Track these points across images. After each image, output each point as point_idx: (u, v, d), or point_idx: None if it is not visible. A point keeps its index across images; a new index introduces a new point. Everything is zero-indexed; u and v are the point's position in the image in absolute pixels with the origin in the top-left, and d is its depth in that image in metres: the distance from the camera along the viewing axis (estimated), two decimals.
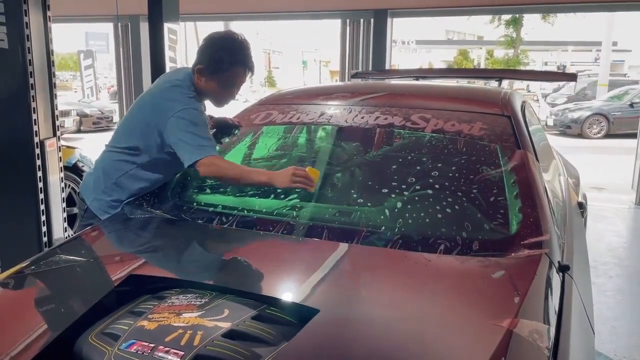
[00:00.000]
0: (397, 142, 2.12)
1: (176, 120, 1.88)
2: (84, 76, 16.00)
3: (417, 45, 36.07)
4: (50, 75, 2.95)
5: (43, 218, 2.90)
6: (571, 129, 13.21)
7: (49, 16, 2.94)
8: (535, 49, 33.56)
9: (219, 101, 2.08)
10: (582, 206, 2.56)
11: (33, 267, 1.53)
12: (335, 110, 2.14)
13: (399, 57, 33.97)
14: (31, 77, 2.76)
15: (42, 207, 2.89)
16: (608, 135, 12.87)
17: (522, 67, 24.85)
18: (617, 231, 5.02)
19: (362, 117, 2.02)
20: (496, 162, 1.78)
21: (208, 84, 2.00)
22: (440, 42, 41.34)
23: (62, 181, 3.13)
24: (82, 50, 17.09)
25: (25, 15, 2.70)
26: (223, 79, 1.99)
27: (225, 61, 1.95)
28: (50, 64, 2.94)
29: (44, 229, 2.91)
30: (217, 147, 2.28)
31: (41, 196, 2.87)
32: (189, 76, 2.02)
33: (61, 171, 3.11)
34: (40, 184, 2.87)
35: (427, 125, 1.93)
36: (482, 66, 30.09)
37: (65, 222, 3.15)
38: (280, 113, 2.20)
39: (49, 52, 2.93)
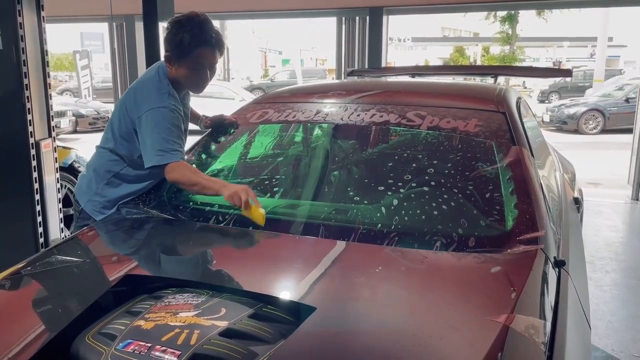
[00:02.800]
0: (393, 139, 2.12)
1: (144, 119, 1.87)
2: (81, 76, 15.87)
3: (413, 42, 36.08)
4: (45, 75, 2.94)
5: (39, 219, 2.89)
6: (567, 124, 13.24)
7: (43, 16, 2.92)
8: (531, 45, 33.61)
9: (194, 86, 2.04)
10: (577, 201, 2.57)
11: (29, 267, 1.53)
12: (331, 109, 2.13)
13: (395, 54, 33.97)
14: (26, 77, 2.74)
15: (38, 208, 2.88)
16: (604, 131, 12.90)
17: (518, 64, 24.87)
18: (613, 226, 5.04)
19: (358, 115, 2.02)
20: (492, 159, 1.79)
21: (178, 70, 1.96)
22: (436, 39, 41.39)
23: (58, 182, 3.12)
24: (78, 50, 16.96)
25: (19, 16, 2.69)
26: (190, 61, 1.93)
27: (187, 42, 1.89)
28: (44, 64, 2.93)
29: (40, 229, 2.91)
30: (213, 146, 2.28)
31: (37, 197, 2.87)
32: (163, 69, 2.00)
33: (57, 172, 3.10)
34: (36, 185, 2.86)
35: (423, 123, 1.93)
36: (478, 63, 30.13)
37: (61, 222, 3.14)
38: (276, 111, 2.20)
39: (43, 53, 2.92)
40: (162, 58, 2.00)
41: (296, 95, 2.41)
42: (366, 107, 2.07)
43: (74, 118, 12.35)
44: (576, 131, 13.04)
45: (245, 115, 2.27)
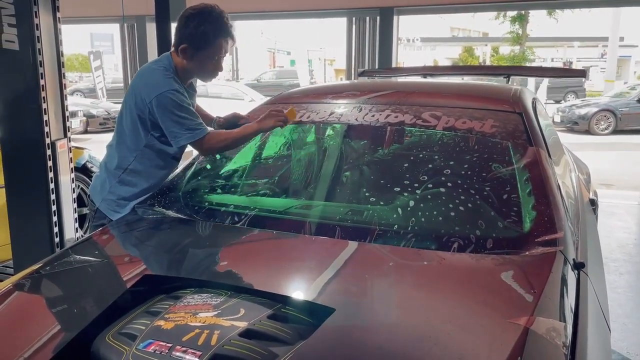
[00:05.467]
0: (408, 140, 2.12)
1: (156, 104, 1.91)
2: (95, 77, 15.91)
3: (422, 42, 35.96)
4: (61, 76, 2.96)
5: (55, 219, 2.91)
6: (578, 125, 13.13)
7: (59, 17, 2.94)
8: (541, 45, 33.38)
9: (207, 76, 2.09)
10: (593, 203, 2.55)
11: (48, 267, 1.54)
12: (345, 109, 2.13)
13: (404, 54, 33.85)
14: (42, 78, 2.76)
15: (54, 207, 2.90)
16: (616, 131, 12.78)
17: (528, 64, 24.70)
18: (626, 228, 4.99)
19: (373, 115, 2.02)
20: (508, 160, 1.78)
21: (194, 61, 1.99)
22: (445, 39, 41.24)
23: (73, 182, 3.14)
24: (92, 51, 17.01)
25: (36, 17, 2.70)
26: (210, 53, 1.98)
27: (211, 35, 1.95)
28: (60, 65, 2.95)
29: (56, 229, 2.93)
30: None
31: (53, 197, 2.89)
32: (167, 58, 2.03)
33: (72, 172, 3.12)
34: (52, 185, 2.88)
35: (438, 123, 1.92)
36: (488, 63, 29.99)
37: (76, 222, 3.16)
38: None
39: (59, 54, 2.94)
40: (174, 51, 2.02)
41: (310, 96, 2.41)
42: (381, 107, 2.06)
43: (84, 118, 12.43)
44: (587, 132, 12.93)
45: (259, 116, 2.27)
